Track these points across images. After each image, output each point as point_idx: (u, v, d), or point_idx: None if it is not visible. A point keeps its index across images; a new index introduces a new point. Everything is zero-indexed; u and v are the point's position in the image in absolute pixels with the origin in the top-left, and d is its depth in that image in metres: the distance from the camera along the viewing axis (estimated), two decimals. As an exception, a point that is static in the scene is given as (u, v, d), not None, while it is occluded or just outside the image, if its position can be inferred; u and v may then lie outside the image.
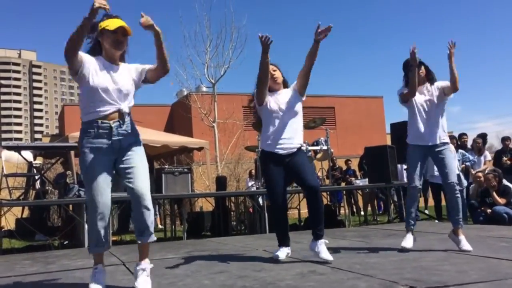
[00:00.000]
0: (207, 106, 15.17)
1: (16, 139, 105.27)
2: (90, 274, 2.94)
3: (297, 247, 4.67)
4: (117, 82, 2.92)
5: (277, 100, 3.91)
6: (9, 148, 7.31)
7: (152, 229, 2.92)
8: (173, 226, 8.47)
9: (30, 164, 8.03)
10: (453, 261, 3.52)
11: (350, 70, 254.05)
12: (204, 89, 17.63)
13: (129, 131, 2.96)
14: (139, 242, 2.93)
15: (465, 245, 4.01)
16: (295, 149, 3.85)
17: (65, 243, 6.71)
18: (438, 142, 4.22)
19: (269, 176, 3.94)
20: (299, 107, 3.94)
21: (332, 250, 4.45)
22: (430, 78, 4.36)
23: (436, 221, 8.09)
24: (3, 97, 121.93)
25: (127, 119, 2.96)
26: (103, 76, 2.90)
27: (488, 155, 8.74)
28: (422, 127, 4.25)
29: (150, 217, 2.90)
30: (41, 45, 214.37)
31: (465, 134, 9.19)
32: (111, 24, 2.86)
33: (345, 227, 7.72)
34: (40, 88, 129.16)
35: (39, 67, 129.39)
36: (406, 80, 4.36)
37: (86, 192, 2.91)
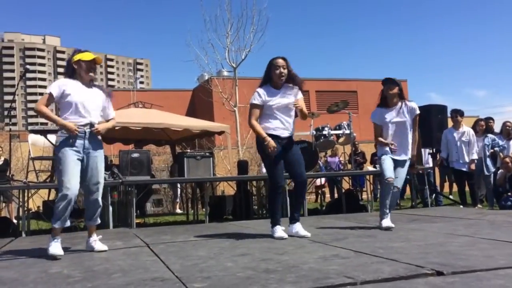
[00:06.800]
0: (228, 91, 15.14)
1: (42, 123, 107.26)
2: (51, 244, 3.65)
3: (319, 231, 4.66)
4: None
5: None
6: (35, 132, 7.45)
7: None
8: (195, 210, 8.55)
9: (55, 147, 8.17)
10: (480, 246, 3.45)
11: (373, 53, 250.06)
12: (225, 73, 17.60)
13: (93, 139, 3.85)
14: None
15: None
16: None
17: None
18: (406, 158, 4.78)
19: None
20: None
21: (355, 234, 4.42)
22: (402, 97, 4.82)
23: (461, 206, 7.95)
24: (29, 83, 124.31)
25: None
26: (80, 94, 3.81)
27: (517, 140, 8.46)
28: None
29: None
30: (65, 31, 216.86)
31: (491, 118, 8.92)
32: (85, 56, 3.85)
33: (367, 211, 7.66)
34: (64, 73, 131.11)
35: (63, 52, 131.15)
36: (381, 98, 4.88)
37: None
